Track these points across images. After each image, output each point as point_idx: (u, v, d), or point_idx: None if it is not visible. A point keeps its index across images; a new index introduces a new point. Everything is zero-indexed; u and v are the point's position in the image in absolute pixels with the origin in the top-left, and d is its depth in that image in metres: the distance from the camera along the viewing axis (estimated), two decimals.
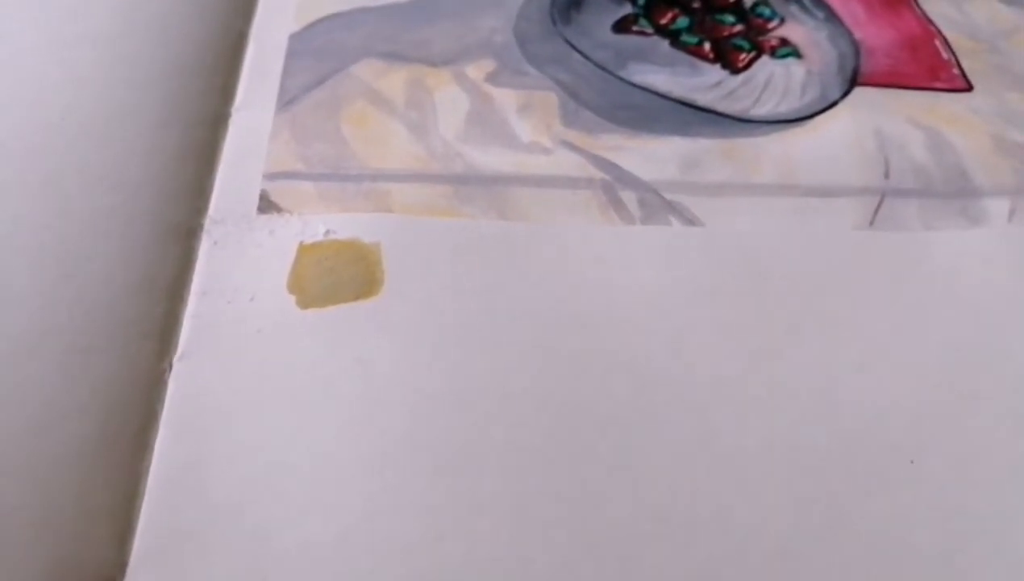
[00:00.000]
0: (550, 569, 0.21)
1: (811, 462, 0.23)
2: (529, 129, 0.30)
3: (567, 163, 0.29)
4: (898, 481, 0.23)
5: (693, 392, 0.24)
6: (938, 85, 0.33)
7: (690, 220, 0.28)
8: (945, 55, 0.34)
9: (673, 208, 0.28)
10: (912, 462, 0.23)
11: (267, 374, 0.24)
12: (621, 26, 0.34)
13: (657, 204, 0.28)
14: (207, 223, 0.27)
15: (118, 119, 0.28)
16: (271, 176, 0.28)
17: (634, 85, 0.32)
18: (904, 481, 0.23)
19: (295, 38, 0.33)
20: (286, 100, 0.30)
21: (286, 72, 0.31)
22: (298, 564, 0.21)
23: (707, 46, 0.33)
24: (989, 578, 0.21)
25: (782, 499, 0.22)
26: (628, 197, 0.28)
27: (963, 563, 0.21)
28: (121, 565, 0.21)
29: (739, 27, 0.34)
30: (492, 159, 0.29)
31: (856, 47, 0.34)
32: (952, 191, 0.29)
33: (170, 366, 0.24)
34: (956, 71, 0.33)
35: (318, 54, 0.32)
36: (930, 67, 0.34)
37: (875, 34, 0.35)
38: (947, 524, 0.22)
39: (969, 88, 0.33)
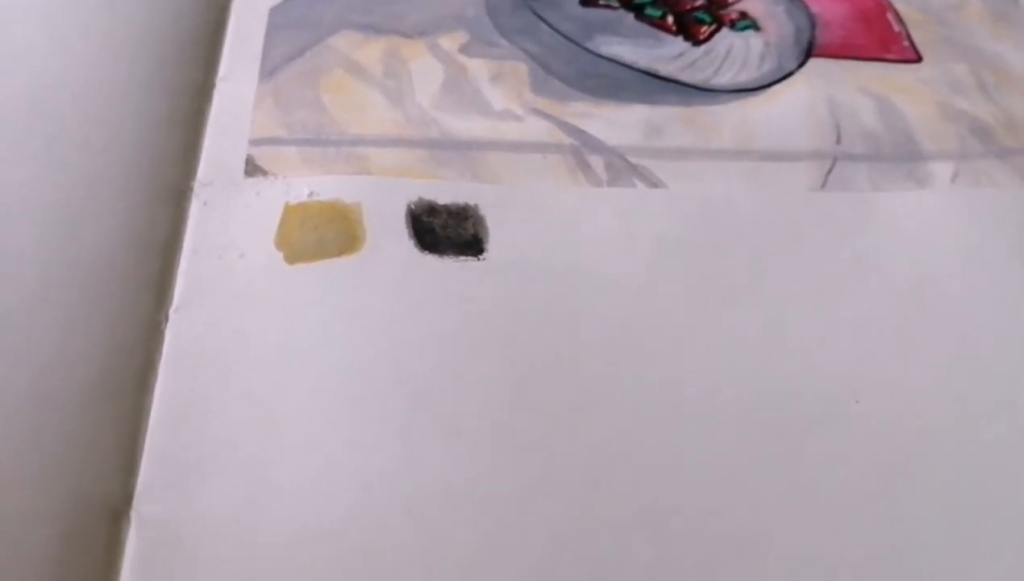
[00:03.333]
0: (522, 489, 0.23)
1: (764, 404, 0.24)
2: (501, 97, 0.31)
3: (537, 129, 0.30)
4: (844, 419, 0.24)
5: (654, 340, 0.25)
6: (889, 56, 0.34)
7: (653, 183, 0.29)
8: (896, 27, 0.35)
9: (637, 171, 0.29)
10: (857, 402, 0.25)
11: (257, 322, 0.25)
12: None
13: (622, 167, 0.29)
14: (196, 186, 0.28)
15: (109, 90, 0.29)
16: (256, 142, 0.29)
17: (600, 56, 0.33)
18: (849, 419, 0.24)
19: (275, 11, 0.33)
20: (268, 70, 0.31)
21: (267, 44, 0.32)
22: (291, 492, 0.22)
23: (670, 19, 0.34)
24: (930, 514, 0.23)
25: (735, 438, 0.24)
26: (595, 161, 0.29)
27: (906, 499, 0.23)
28: (128, 496, 0.22)
29: (701, 1, 0.35)
30: (466, 125, 0.30)
31: (812, 20, 0.35)
32: (900, 155, 0.30)
33: (166, 317, 0.25)
34: (906, 43, 0.34)
35: (297, 26, 0.33)
36: (882, 39, 0.34)
37: (830, 7, 0.35)
38: (889, 460, 0.24)
39: (918, 59, 0.34)
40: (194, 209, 0.27)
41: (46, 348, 0.23)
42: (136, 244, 0.26)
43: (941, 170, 0.30)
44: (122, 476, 0.22)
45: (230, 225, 0.27)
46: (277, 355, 0.25)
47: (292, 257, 0.26)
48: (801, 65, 0.33)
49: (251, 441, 0.23)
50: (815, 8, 0.35)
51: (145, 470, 0.22)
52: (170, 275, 0.26)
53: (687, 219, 0.28)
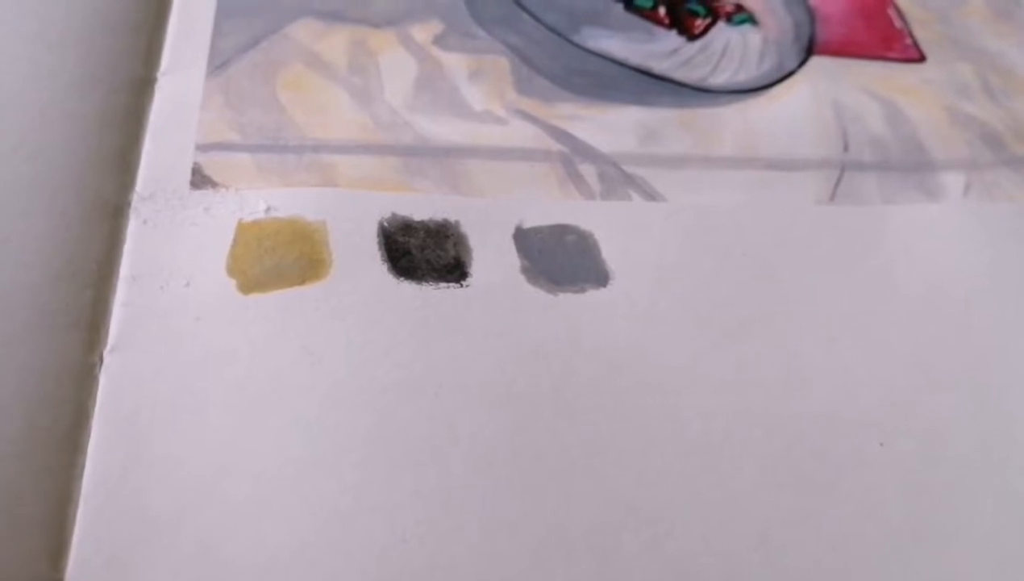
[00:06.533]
0: (521, 566, 0.20)
1: (781, 445, 0.23)
2: (481, 97, 0.29)
3: (523, 134, 0.28)
4: (867, 463, 0.23)
5: (658, 374, 0.23)
6: (892, 55, 0.32)
7: (651, 194, 0.27)
8: (898, 24, 0.34)
9: (633, 182, 0.27)
10: (881, 444, 0.23)
11: (207, 366, 0.22)
12: None
13: (617, 178, 0.27)
14: (135, 200, 0.25)
15: (32, 84, 0.26)
16: (204, 147, 0.26)
17: (589, 51, 0.31)
18: (873, 462, 0.23)
19: None
20: (217, 63, 0.28)
21: (216, 32, 0.29)
22: (250, 577, 0.20)
23: (662, 11, 0.32)
24: (959, 558, 0.22)
25: (752, 483, 0.22)
26: (587, 170, 0.27)
27: (932, 544, 0.22)
28: None
29: None
30: (443, 129, 0.28)
31: (811, 15, 0.33)
32: (910, 164, 0.29)
33: (100, 359, 0.22)
34: (909, 41, 0.33)
35: (251, 12, 0.30)
36: (883, 36, 0.33)
37: (829, 1, 0.34)
38: (916, 504, 0.22)
39: (922, 59, 0.32)
40: (132, 228, 0.24)
41: None
42: (63, 271, 0.23)
43: (952, 181, 0.29)
44: (47, 559, 0.19)
45: (174, 247, 0.24)
46: (231, 406, 0.22)
47: (247, 285, 0.24)
48: (802, 64, 0.32)
49: (202, 513, 0.20)
50: (814, 1, 0.34)
51: (76, 550, 0.20)
52: (104, 308, 0.23)
53: (688, 236, 0.26)
